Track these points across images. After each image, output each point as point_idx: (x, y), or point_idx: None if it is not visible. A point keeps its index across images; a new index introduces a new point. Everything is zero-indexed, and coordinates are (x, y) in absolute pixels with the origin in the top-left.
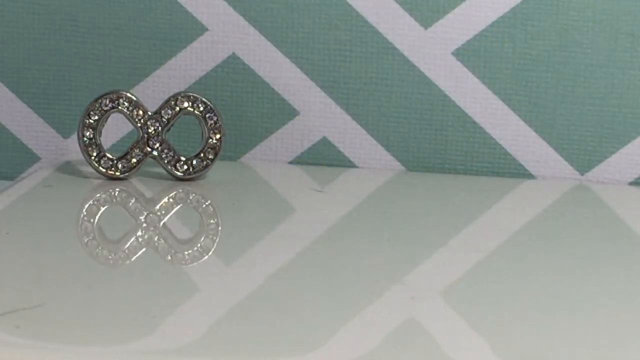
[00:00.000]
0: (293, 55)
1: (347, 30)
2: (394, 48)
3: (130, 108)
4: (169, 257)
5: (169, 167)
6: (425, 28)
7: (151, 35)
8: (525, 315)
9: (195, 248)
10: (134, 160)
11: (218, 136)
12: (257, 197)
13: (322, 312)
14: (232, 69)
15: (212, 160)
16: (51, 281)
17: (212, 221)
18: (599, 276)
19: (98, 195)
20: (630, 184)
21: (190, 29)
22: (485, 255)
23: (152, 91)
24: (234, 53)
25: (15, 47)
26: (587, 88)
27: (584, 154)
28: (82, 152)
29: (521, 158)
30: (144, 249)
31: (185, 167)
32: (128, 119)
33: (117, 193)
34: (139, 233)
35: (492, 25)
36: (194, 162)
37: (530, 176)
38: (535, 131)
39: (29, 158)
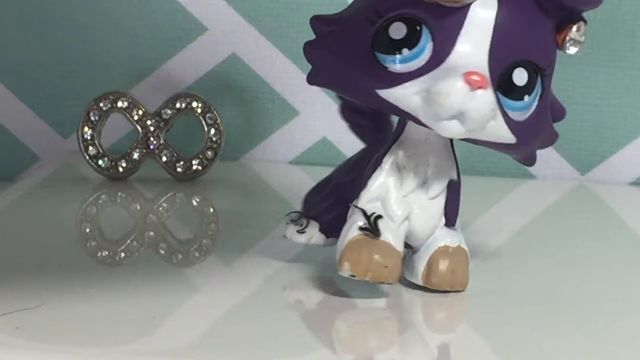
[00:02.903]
0: (293, 55)
1: None
2: None
3: (130, 108)
4: (169, 257)
5: (169, 167)
6: None
7: (151, 35)
8: (525, 315)
9: (195, 248)
10: (134, 160)
11: (218, 136)
12: (257, 197)
13: (322, 312)
14: (232, 69)
15: (212, 160)
16: (51, 281)
17: (212, 221)
18: (599, 276)
19: (98, 195)
20: (630, 184)
21: (190, 29)
22: (485, 256)
23: (152, 91)
24: (234, 53)
25: (15, 47)
26: (587, 88)
27: (584, 154)
28: (82, 152)
29: None
30: (143, 249)
31: (186, 167)
32: (128, 119)
33: (117, 193)
34: (139, 233)
35: None
36: (194, 162)
37: (530, 176)
38: None
39: (29, 158)
